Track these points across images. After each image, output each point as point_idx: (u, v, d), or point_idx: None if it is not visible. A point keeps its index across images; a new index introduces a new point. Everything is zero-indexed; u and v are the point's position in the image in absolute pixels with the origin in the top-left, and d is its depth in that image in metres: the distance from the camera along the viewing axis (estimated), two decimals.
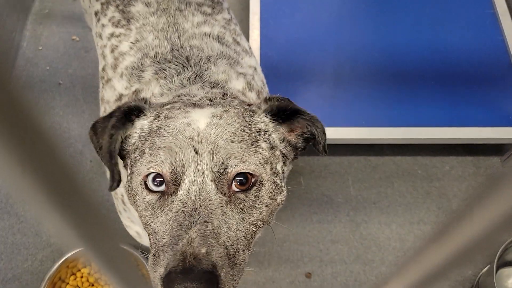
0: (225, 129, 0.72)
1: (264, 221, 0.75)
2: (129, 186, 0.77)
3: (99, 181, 1.76)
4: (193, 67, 0.98)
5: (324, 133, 0.81)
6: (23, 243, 1.67)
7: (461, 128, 1.66)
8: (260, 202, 0.74)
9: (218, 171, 0.69)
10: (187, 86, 0.94)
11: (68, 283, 1.54)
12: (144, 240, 1.05)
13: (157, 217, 0.70)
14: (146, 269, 1.48)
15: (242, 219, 0.71)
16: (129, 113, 0.78)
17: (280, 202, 0.78)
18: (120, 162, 0.81)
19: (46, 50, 2.07)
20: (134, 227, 1.02)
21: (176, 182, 0.69)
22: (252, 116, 0.78)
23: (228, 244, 0.68)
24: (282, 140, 0.80)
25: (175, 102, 0.81)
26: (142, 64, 1.01)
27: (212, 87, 0.94)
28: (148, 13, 1.07)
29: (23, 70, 2.02)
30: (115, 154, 0.77)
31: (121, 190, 0.96)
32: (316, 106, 1.70)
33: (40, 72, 2.02)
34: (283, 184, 0.79)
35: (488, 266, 1.55)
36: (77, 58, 2.05)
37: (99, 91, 1.13)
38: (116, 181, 0.78)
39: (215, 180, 0.69)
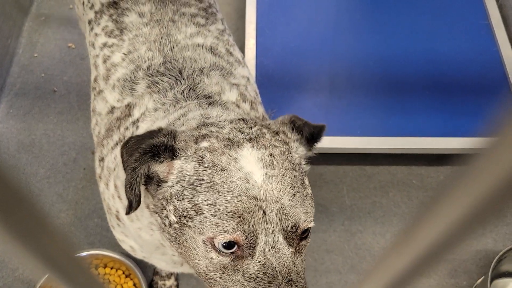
0: (283, 181, 0.73)
1: None
2: (176, 235, 0.75)
3: (92, 189, 1.75)
4: (186, 80, 0.97)
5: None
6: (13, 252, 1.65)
7: (456, 138, 1.66)
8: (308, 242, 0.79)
9: (291, 231, 0.71)
10: (181, 101, 0.93)
11: None
12: (138, 254, 1.03)
13: (229, 275, 0.72)
14: (138, 278, 1.47)
15: (302, 261, 0.75)
16: (157, 151, 0.75)
17: None
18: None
19: (41, 57, 2.07)
20: (128, 241, 1.01)
21: (251, 246, 0.70)
22: (290, 152, 0.79)
23: None
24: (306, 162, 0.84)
25: (207, 135, 0.76)
26: (134, 77, 1.00)
27: (209, 103, 0.93)
28: (142, 24, 1.07)
29: (18, 77, 2.01)
30: (136, 186, 0.75)
31: (116, 206, 0.94)
32: (311, 115, 1.70)
33: (35, 79, 2.01)
34: None
35: (483, 277, 1.54)
36: (73, 66, 2.04)
37: (91, 102, 1.12)
38: (134, 208, 0.76)
39: (286, 238, 0.71)
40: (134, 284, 1.52)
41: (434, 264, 0.21)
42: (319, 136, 0.83)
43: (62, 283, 0.23)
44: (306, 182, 0.79)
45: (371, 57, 1.85)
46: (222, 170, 0.71)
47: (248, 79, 1.11)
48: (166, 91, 0.95)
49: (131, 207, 0.76)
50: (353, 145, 1.65)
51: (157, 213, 0.78)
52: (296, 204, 0.73)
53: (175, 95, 0.94)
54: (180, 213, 0.73)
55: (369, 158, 1.84)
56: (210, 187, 0.71)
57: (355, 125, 1.69)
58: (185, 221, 0.72)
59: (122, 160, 0.77)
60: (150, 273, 1.59)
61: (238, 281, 0.71)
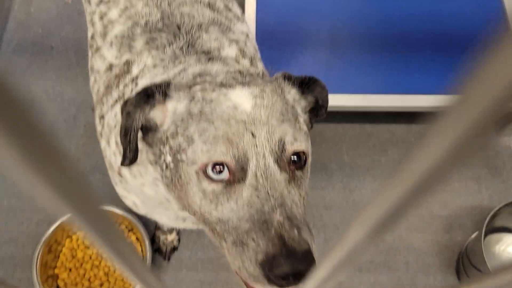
0: (272, 109, 0.73)
1: (307, 198, 0.78)
2: (171, 175, 0.76)
3: (93, 145, 1.76)
4: (184, 35, 0.97)
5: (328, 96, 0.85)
6: (18, 206, 1.69)
7: (457, 96, 1.66)
8: (307, 177, 0.77)
9: (278, 150, 0.71)
10: (180, 57, 0.92)
11: (64, 246, 1.56)
12: (141, 210, 1.05)
13: (222, 204, 0.71)
14: (141, 233, 1.51)
15: (300, 194, 0.74)
16: (151, 94, 0.76)
17: None
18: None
19: (38, 13, 2.03)
20: (131, 197, 1.02)
21: (242, 170, 0.70)
22: (282, 91, 0.79)
23: (302, 221, 0.71)
24: (305, 112, 0.83)
25: (201, 82, 0.79)
26: (132, 33, 0.99)
27: (208, 59, 0.93)
28: None
29: (15, 33, 1.99)
30: (130, 132, 0.75)
31: (118, 163, 0.95)
32: (312, 73, 1.67)
33: (32, 35, 1.99)
34: None
35: (477, 232, 1.58)
36: (70, 21, 2.01)
37: (89, 60, 1.12)
38: (128, 158, 0.77)
39: (277, 160, 0.71)
40: (137, 239, 1.56)
41: (405, 215, 0.23)
42: (310, 82, 0.82)
43: (82, 226, 0.23)
44: (301, 120, 0.78)
45: (372, 14, 1.82)
46: (211, 101, 0.73)
47: (248, 35, 1.10)
48: (165, 47, 0.95)
49: (125, 157, 0.77)
50: (354, 103, 1.65)
51: (156, 162, 0.79)
52: (286, 129, 0.72)
53: (173, 51, 0.94)
54: (175, 150, 0.74)
55: (369, 117, 1.85)
56: (200, 117, 0.72)
57: (356, 83, 1.68)
58: (179, 157, 0.73)
59: (124, 110, 0.77)
60: (152, 227, 1.62)
61: (232, 209, 0.70)
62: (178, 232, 1.63)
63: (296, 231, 0.66)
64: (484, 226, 1.41)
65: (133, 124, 0.75)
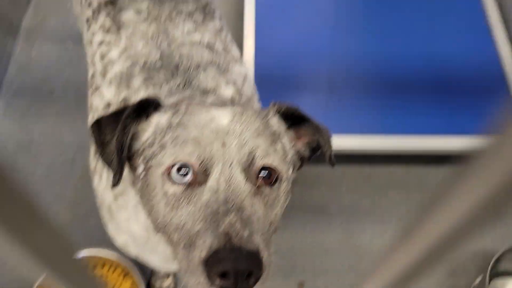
0: (248, 126, 0.73)
1: (275, 224, 0.75)
2: (142, 184, 0.75)
3: (90, 188, 1.74)
4: (182, 74, 0.98)
5: (330, 143, 0.82)
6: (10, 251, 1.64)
7: (455, 138, 1.66)
8: (278, 200, 0.75)
9: (246, 161, 0.70)
10: (176, 93, 0.93)
11: None
12: (132, 251, 1.03)
13: (183, 208, 0.69)
14: (136, 277, 1.46)
15: (266, 213, 0.71)
16: (143, 107, 0.77)
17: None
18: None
19: (39, 57, 2.06)
20: (121, 238, 1.01)
21: (205, 172, 0.69)
22: (267, 117, 0.79)
23: (259, 233, 0.67)
24: (292, 146, 0.82)
25: (187, 100, 0.81)
26: (131, 72, 1.01)
27: (203, 93, 0.94)
28: (139, 21, 1.07)
29: (15, 76, 2.01)
30: (125, 147, 0.75)
31: (109, 199, 0.94)
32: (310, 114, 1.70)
33: (33, 79, 2.00)
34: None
35: (481, 276, 1.54)
36: (70, 66, 2.04)
37: (88, 99, 1.13)
38: (120, 174, 0.75)
39: (244, 171, 0.70)
40: (133, 283, 1.51)
41: (434, 264, 0.21)
42: (293, 115, 0.82)
43: (60, 283, 0.22)
44: (279, 147, 0.76)
45: (369, 57, 1.85)
46: (192, 113, 0.74)
47: (246, 76, 1.11)
48: (162, 84, 0.96)
49: (119, 174, 0.75)
50: (352, 145, 1.65)
51: (133, 182, 0.79)
52: (258, 143, 0.71)
53: (170, 88, 0.95)
54: (148, 158, 0.74)
55: (368, 158, 1.84)
56: (177, 127, 0.72)
57: (354, 125, 1.69)
58: (149, 163, 0.73)
59: (99, 129, 0.77)
60: (148, 273, 1.58)
61: (189, 212, 0.68)
62: (175, 277, 1.59)
63: (247, 232, 0.63)
64: (489, 270, 1.38)
65: (127, 139, 0.75)
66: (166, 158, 0.70)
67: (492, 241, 1.70)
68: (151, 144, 0.74)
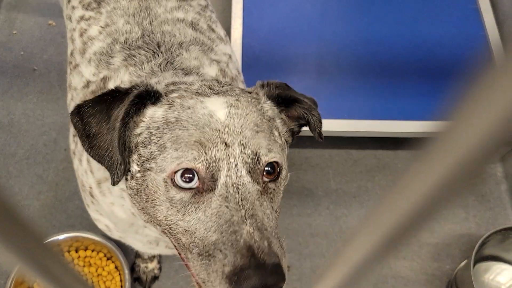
0: (246, 119, 0.72)
1: (279, 211, 0.76)
2: (138, 184, 0.72)
3: (73, 170, 1.72)
4: (164, 53, 0.94)
5: (320, 121, 0.83)
6: None
7: (442, 123, 1.65)
8: (279, 190, 0.75)
9: (252, 162, 0.69)
10: (158, 73, 0.90)
11: None
12: (114, 234, 1.01)
13: (190, 215, 0.68)
14: (120, 261, 1.44)
15: (272, 208, 0.72)
16: (142, 97, 0.73)
17: None
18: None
19: (20, 35, 2.00)
20: (103, 220, 0.98)
21: (213, 178, 0.67)
22: (259, 103, 0.78)
23: (273, 234, 0.68)
24: (284, 126, 0.81)
25: (176, 90, 0.76)
26: (111, 50, 0.97)
27: (185, 74, 0.91)
28: None
29: None
30: (128, 144, 0.72)
31: (89, 182, 0.92)
32: None
33: (14, 57, 1.95)
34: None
35: (466, 260, 1.55)
36: (53, 44, 1.98)
37: (67, 77, 1.09)
38: (122, 173, 0.71)
39: (250, 172, 0.69)
40: (116, 267, 1.49)
41: (396, 247, 0.21)
42: (286, 98, 0.81)
43: (33, 273, 0.20)
44: (276, 133, 0.77)
45: (358, 40, 1.83)
46: (189, 108, 0.72)
47: (230, 56, 1.08)
48: (143, 63, 0.93)
49: (123, 172, 0.71)
50: (340, 128, 1.64)
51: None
52: (260, 140, 0.71)
53: (151, 67, 0.92)
54: (144, 159, 0.71)
55: (356, 142, 1.83)
56: (175, 125, 0.70)
57: (342, 108, 1.67)
58: (148, 165, 0.70)
59: (81, 120, 0.72)
60: (132, 256, 1.56)
61: (199, 219, 0.67)
62: (159, 261, 1.57)
63: (266, 243, 0.64)
64: (473, 255, 1.38)
65: (129, 134, 0.73)
66: (169, 163, 0.68)
67: (477, 226, 1.71)
68: (147, 142, 0.71)
